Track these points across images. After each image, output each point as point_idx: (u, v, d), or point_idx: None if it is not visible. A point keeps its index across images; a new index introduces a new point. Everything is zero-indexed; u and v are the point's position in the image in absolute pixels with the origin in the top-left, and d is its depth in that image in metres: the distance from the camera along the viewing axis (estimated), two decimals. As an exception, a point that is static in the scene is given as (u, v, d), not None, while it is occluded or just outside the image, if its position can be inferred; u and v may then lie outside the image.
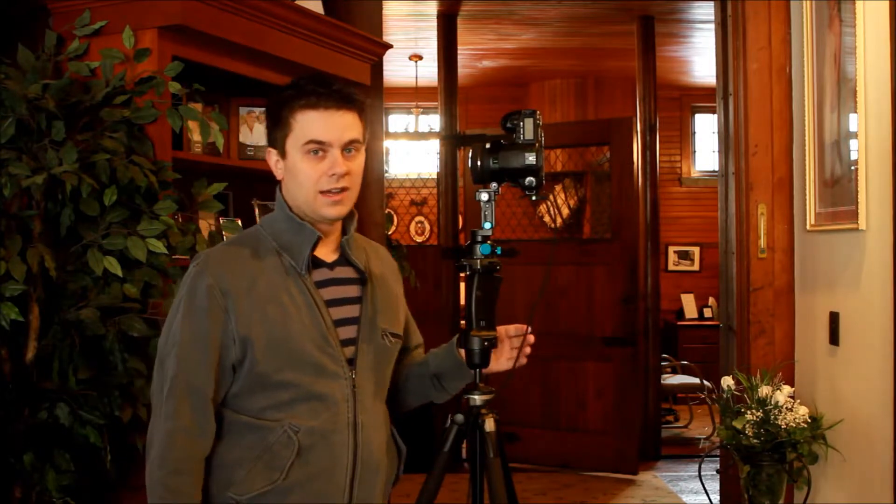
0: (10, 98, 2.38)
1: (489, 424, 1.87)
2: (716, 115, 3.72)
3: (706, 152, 9.32)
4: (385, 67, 4.20)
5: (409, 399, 2.00)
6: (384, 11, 4.82)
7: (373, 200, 4.02)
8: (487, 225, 1.89)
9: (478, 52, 7.62)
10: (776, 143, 3.32)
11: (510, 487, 1.89)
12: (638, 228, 6.13)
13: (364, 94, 1.85)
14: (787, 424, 2.84)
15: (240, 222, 3.14)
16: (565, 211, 7.67)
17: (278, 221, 1.79)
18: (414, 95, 8.13)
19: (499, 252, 1.88)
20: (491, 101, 8.66)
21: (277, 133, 1.75)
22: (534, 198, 1.91)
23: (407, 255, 4.53)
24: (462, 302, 5.61)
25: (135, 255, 2.43)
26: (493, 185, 1.92)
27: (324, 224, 1.78)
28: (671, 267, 9.10)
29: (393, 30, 6.74)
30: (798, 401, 2.95)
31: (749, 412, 2.88)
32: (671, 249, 9.10)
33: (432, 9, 6.41)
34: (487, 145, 1.90)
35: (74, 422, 2.35)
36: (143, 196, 2.50)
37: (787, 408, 2.87)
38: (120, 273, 2.42)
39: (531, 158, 1.87)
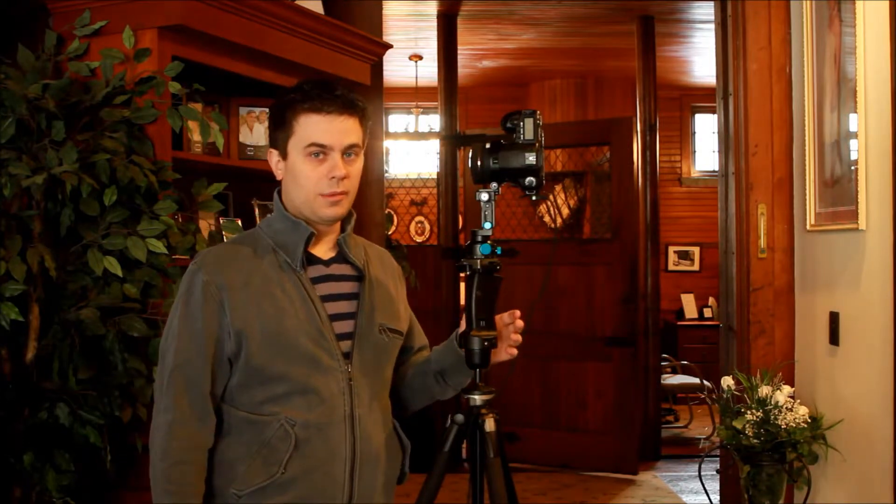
0: (10, 98, 2.38)
1: (489, 424, 1.87)
2: (716, 115, 3.72)
3: (706, 152, 9.32)
4: (385, 67, 4.20)
5: (414, 398, 2.00)
6: (384, 11, 4.82)
7: (373, 200, 4.03)
8: (487, 225, 1.89)
9: (478, 52, 7.62)
10: (776, 143, 3.32)
11: (510, 487, 1.89)
12: (638, 228, 6.13)
13: (364, 93, 1.87)
14: (787, 424, 2.84)
15: (240, 222, 3.14)
16: (565, 211, 7.67)
17: (275, 221, 1.84)
18: (414, 95, 8.13)
19: (499, 252, 1.88)
20: (491, 101, 8.66)
21: (280, 134, 1.79)
22: (534, 198, 1.91)
23: (407, 255, 4.54)
24: (462, 302, 5.61)
25: (135, 255, 2.43)
26: (493, 185, 1.92)
27: (321, 223, 1.81)
28: (671, 267, 9.10)
29: (393, 30, 6.74)
30: (798, 401, 2.95)
31: (749, 412, 2.88)
32: (671, 249, 9.10)
33: (432, 9, 6.41)
34: (487, 145, 1.90)
35: (74, 422, 2.36)
36: (143, 196, 2.50)
37: (787, 408, 2.87)
38: (120, 273, 2.42)
39: (531, 158, 1.87)
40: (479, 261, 1.87)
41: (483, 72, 8.33)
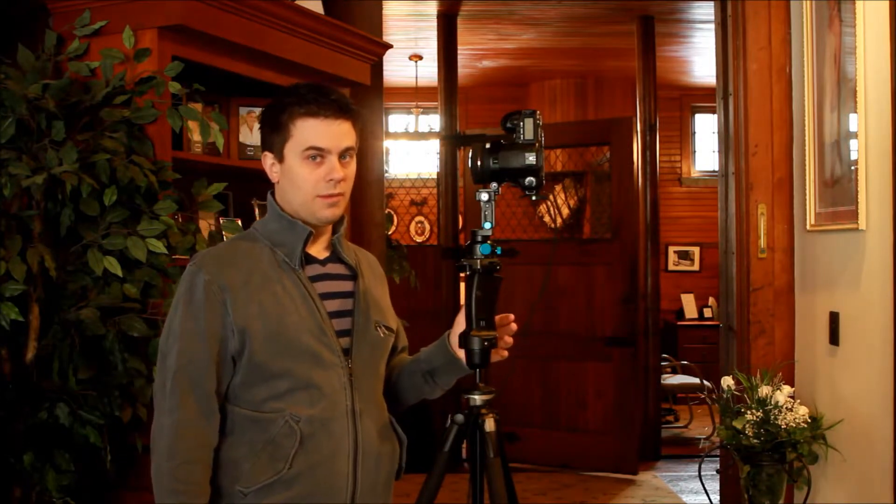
0: (10, 98, 2.38)
1: (489, 424, 1.87)
2: (716, 115, 3.72)
3: (706, 152, 9.32)
4: (385, 67, 4.20)
5: (401, 397, 2.03)
6: (384, 11, 4.82)
7: (373, 200, 4.02)
8: (487, 225, 1.89)
9: (478, 52, 7.62)
10: (776, 143, 3.32)
11: (510, 487, 1.89)
12: (638, 228, 6.13)
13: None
14: (787, 424, 2.84)
15: (240, 222, 3.14)
16: (565, 211, 7.67)
17: (270, 222, 1.86)
18: (414, 95, 8.13)
19: (499, 252, 1.89)
20: (491, 101, 8.66)
21: (275, 138, 1.81)
22: (534, 198, 1.91)
23: (407, 255, 4.53)
24: (462, 302, 5.60)
25: (135, 255, 2.43)
26: (493, 185, 1.92)
27: (319, 224, 1.84)
28: (671, 267, 9.10)
29: (393, 30, 6.74)
30: (798, 401, 2.95)
31: (749, 412, 2.88)
32: (671, 249, 9.10)
33: (432, 9, 6.41)
34: (487, 145, 1.91)
35: (74, 422, 2.36)
36: (143, 196, 2.50)
37: (787, 408, 2.87)
38: (120, 273, 2.42)
39: (531, 158, 1.87)
40: (479, 261, 1.87)
41: (483, 72, 8.33)
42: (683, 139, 9.23)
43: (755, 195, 3.34)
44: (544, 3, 6.20)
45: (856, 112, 2.72)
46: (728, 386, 3.04)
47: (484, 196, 1.91)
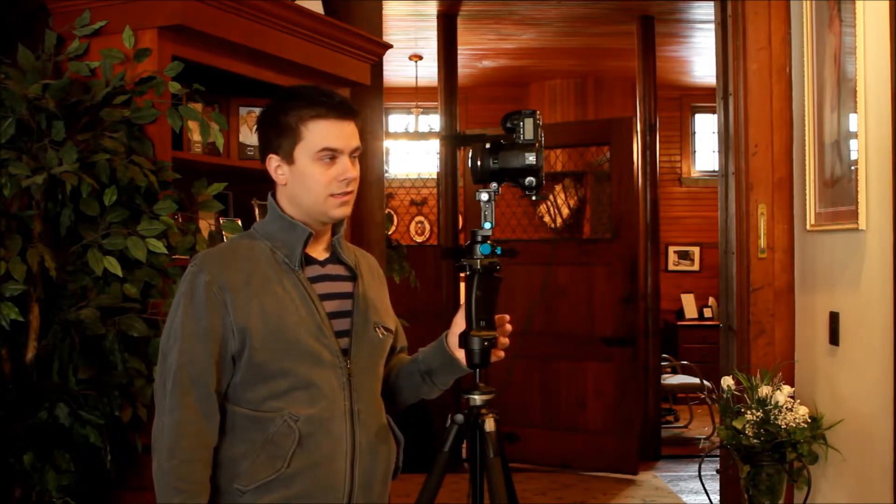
0: (10, 98, 2.38)
1: (489, 424, 1.88)
2: (716, 115, 3.72)
3: (706, 152, 9.32)
4: (385, 67, 4.20)
5: (399, 397, 2.04)
6: (384, 11, 4.82)
7: (373, 200, 4.02)
8: (487, 225, 1.90)
9: (478, 52, 7.62)
10: (776, 143, 3.32)
11: (510, 487, 1.89)
12: (638, 228, 6.13)
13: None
14: (787, 424, 2.84)
15: (240, 222, 3.14)
16: (565, 211, 7.67)
17: (270, 224, 1.88)
18: (414, 95, 8.13)
19: (499, 252, 1.89)
20: (491, 101, 8.66)
21: (283, 140, 1.83)
22: (534, 198, 1.92)
23: (407, 255, 4.53)
24: (462, 302, 5.60)
25: (135, 255, 2.43)
26: (493, 185, 1.92)
27: (319, 225, 1.86)
28: (671, 267, 9.10)
29: (393, 30, 6.74)
30: (798, 401, 2.95)
31: (749, 412, 2.88)
32: (671, 249, 9.10)
33: (432, 9, 6.41)
34: (487, 145, 1.91)
35: (74, 422, 2.36)
36: (143, 196, 2.50)
37: (787, 408, 2.87)
38: (120, 273, 2.42)
39: (531, 158, 1.88)
40: (479, 261, 1.87)
41: (483, 72, 8.33)
42: (683, 139, 9.23)
43: (755, 195, 3.34)
44: (544, 3, 6.20)
45: (856, 112, 2.72)
46: (728, 386, 3.04)
47: (484, 196, 1.91)
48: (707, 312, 8.84)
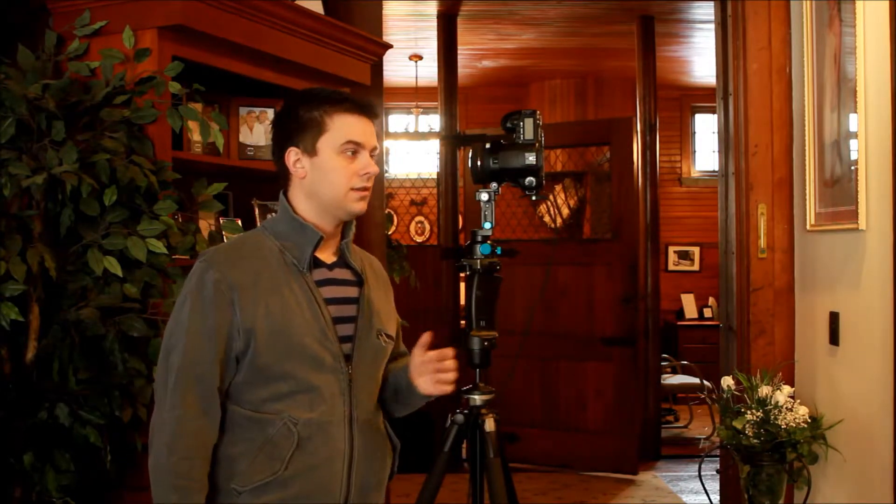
0: (10, 98, 2.38)
1: (489, 424, 1.88)
2: (716, 115, 3.72)
3: (706, 152, 9.32)
4: (385, 67, 4.20)
5: (385, 406, 2.00)
6: (384, 11, 4.81)
7: (373, 200, 4.00)
8: (487, 225, 1.90)
9: (478, 52, 7.62)
10: (776, 143, 3.32)
11: (510, 487, 1.90)
12: (638, 228, 6.13)
13: (364, 94, 1.91)
14: (787, 424, 2.84)
15: (240, 222, 3.14)
16: (565, 211, 7.67)
17: (280, 223, 1.87)
18: (414, 95, 8.13)
19: (499, 252, 1.89)
20: (491, 101, 8.66)
21: (306, 132, 1.83)
22: (534, 198, 1.92)
23: (407, 255, 4.53)
24: (462, 302, 5.61)
25: (135, 255, 2.43)
26: (493, 185, 1.93)
27: (333, 223, 1.86)
28: (671, 267, 9.10)
29: (393, 30, 6.74)
30: (798, 401, 2.95)
31: (749, 412, 2.88)
32: (671, 249, 9.10)
33: (432, 9, 6.40)
34: (487, 145, 1.91)
35: (74, 422, 2.35)
36: (143, 196, 2.50)
37: (787, 408, 2.87)
38: (120, 273, 2.42)
39: (531, 158, 1.88)
40: (479, 261, 1.87)
41: (483, 72, 8.32)
42: (683, 139, 9.23)
43: (755, 195, 3.34)
44: (544, 3, 6.20)
45: (856, 112, 2.72)
46: (728, 386, 3.04)
47: (484, 196, 1.91)
48: (707, 312, 8.84)
